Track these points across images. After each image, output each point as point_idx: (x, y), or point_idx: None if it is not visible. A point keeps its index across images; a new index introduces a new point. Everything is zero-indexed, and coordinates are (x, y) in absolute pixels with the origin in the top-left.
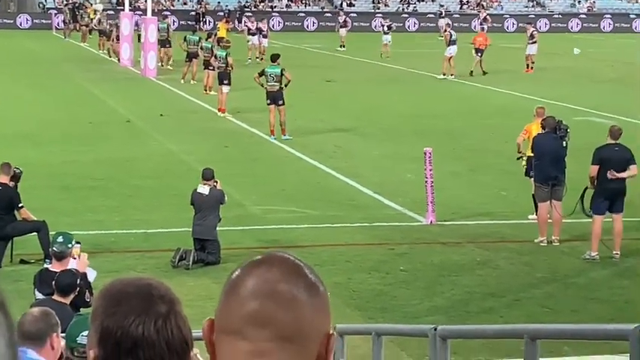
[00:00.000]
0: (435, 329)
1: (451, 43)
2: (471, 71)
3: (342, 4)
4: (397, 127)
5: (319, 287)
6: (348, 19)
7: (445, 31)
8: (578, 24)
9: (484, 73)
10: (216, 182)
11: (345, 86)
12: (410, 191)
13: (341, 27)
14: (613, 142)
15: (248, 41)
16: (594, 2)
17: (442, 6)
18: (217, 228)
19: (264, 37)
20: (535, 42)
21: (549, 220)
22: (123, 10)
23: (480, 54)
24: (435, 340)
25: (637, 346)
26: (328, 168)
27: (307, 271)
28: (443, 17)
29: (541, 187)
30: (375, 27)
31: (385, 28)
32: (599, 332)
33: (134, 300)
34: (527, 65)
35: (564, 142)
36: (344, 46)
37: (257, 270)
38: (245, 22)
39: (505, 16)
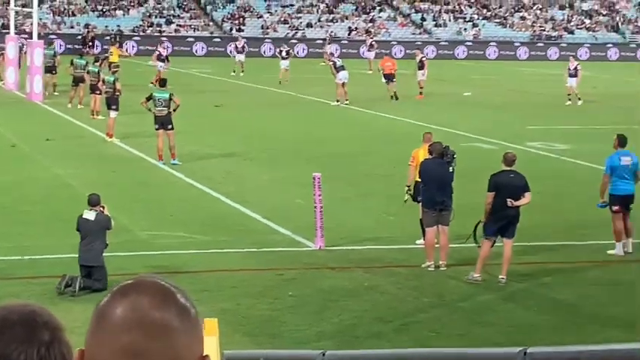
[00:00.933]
0: (324, 354)
1: (339, 69)
2: (392, 94)
3: (231, 29)
4: (287, 153)
5: (191, 310)
6: (245, 44)
7: (329, 59)
8: (464, 51)
9: (395, 98)
10: (103, 208)
11: (235, 111)
12: (299, 216)
13: (239, 52)
14: (508, 168)
15: (155, 66)
16: (480, 30)
17: (331, 32)
18: (104, 254)
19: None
20: (425, 68)
21: (436, 245)
22: (8, 33)
23: (388, 79)
24: None
25: None
26: (217, 193)
27: (178, 296)
28: (329, 43)
29: (428, 212)
30: (264, 52)
31: (284, 54)
32: (485, 356)
33: (17, 327)
34: (420, 92)
35: (451, 168)
36: (243, 71)
37: (126, 298)
38: (157, 47)
39: (392, 42)
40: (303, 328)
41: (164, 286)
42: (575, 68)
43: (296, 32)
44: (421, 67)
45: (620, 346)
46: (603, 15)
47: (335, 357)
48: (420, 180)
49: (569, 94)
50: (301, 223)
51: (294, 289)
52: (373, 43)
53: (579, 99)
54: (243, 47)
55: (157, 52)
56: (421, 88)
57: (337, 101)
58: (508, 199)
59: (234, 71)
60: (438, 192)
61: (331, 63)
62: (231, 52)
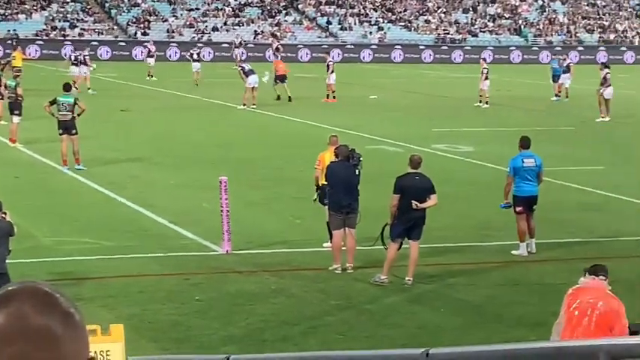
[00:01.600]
0: (228, 359)
1: (248, 73)
2: (278, 95)
3: (136, 33)
4: (194, 157)
5: (75, 315)
6: (154, 47)
7: (238, 64)
8: (369, 54)
9: (289, 99)
10: (5, 214)
11: (141, 116)
12: (206, 220)
13: (149, 56)
14: (413, 171)
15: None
16: (385, 33)
17: (238, 35)
18: (7, 261)
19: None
20: (332, 71)
21: (343, 248)
22: None
23: (280, 80)
24: None
25: None
26: (123, 198)
27: (61, 301)
28: (238, 47)
29: (335, 215)
30: (170, 56)
31: (195, 56)
32: (389, 357)
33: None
34: (328, 95)
35: (357, 171)
36: (152, 76)
37: (7, 307)
38: (72, 51)
39: (299, 46)
40: (209, 332)
41: (46, 292)
42: (487, 71)
43: (202, 36)
44: (329, 70)
45: (522, 345)
46: (506, 18)
47: None
48: (326, 183)
49: (480, 96)
50: (208, 227)
51: (201, 294)
52: (279, 46)
53: (486, 102)
54: (154, 51)
55: (81, 56)
56: (333, 92)
57: (244, 105)
58: (413, 202)
59: (149, 75)
60: (345, 195)
61: (240, 68)
62: (136, 55)
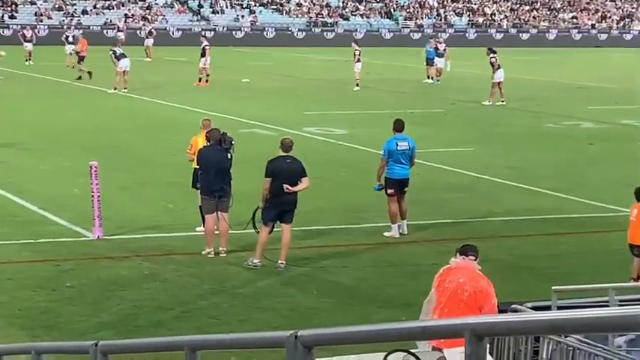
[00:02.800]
0: (96, 345)
1: (119, 57)
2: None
3: (2, 16)
4: (64, 141)
5: None
6: (30, 32)
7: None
8: (242, 38)
9: (80, 77)
10: None
11: (11, 101)
12: (77, 206)
13: (26, 41)
14: (285, 154)
15: None
16: (257, 17)
17: (108, 20)
18: None
19: None
20: (207, 55)
21: (216, 232)
22: None
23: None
24: (96, 357)
25: (292, 353)
26: None
27: None
28: (121, 31)
29: (207, 199)
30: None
31: (70, 38)
32: (258, 340)
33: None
34: (200, 79)
35: (229, 155)
36: (30, 60)
37: None
38: None
39: (170, 29)
40: (81, 319)
41: None
42: (359, 53)
43: (71, 19)
44: (204, 54)
45: (388, 325)
46: (377, 2)
47: (107, 347)
48: (198, 167)
49: (357, 79)
50: (79, 213)
51: (72, 280)
52: (152, 30)
53: (357, 85)
54: (31, 36)
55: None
56: (207, 75)
57: (115, 89)
58: (285, 185)
59: (27, 60)
60: (217, 179)
61: (111, 52)
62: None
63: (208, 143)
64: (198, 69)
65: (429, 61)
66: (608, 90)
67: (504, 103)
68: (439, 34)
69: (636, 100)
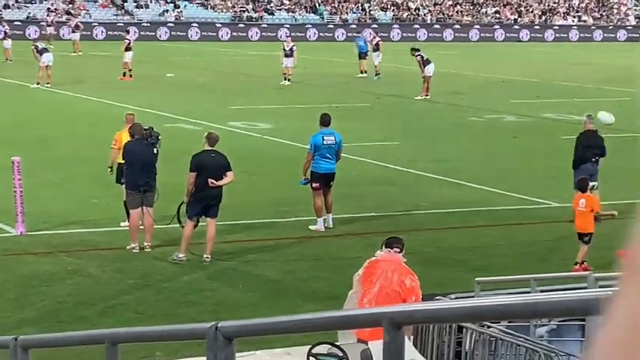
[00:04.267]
0: (16, 339)
1: (42, 52)
2: None
3: None
4: None
5: None
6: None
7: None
8: (166, 32)
9: None
10: None
11: None
12: None
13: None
14: (209, 148)
15: None
16: (181, 11)
17: (31, 14)
18: None
19: None
20: (130, 50)
21: (141, 227)
22: None
23: None
24: (16, 351)
25: (212, 344)
26: None
27: None
28: (50, 25)
29: (132, 194)
30: None
31: (2, 34)
32: (179, 332)
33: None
34: (124, 73)
35: (155, 149)
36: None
37: None
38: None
39: (94, 24)
40: (3, 315)
41: None
42: (291, 49)
43: None
44: (127, 48)
45: (308, 315)
46: None
47: (28, 341)
48: (123, 162)
49: (284, 74)
50: (1, 208)
51: None
52: (79, 24)
53: (289, 80)
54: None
55: None
56: (129, 70)
57: (37, 84)
58: (209, 179)
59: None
60: (142, 173)
61: (33, 47)
62: None
63: (132, 138)
64: (122, 63)
65: (362, 55)
66: (531, 84)
67: (428, 97)
68: (366, 29)
69: (557, 93)
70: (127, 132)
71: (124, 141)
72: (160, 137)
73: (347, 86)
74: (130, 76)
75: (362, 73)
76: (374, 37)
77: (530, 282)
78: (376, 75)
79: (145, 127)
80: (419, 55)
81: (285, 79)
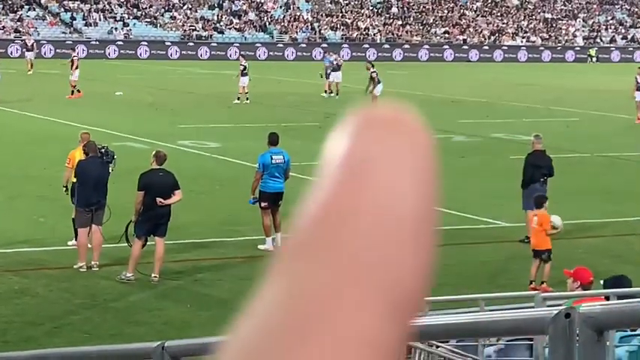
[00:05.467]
0: None
1: None
2: None
3: None
4: None
5: None
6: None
7: None
8: (115, 51)
9: None
10: None
11: None
12: None
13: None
14: (158, 167)
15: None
16: (130, 30)
17: None
18: None
19: None
20: (77, 67)
21: (89, 246)
22: None
23: None
24: None
25: None
26: None
27: None
28: None
29: (83, 212)
30: None
31: None
32: (126, 352)
33: None
34: (72, 91)
35: (111, 168)
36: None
37: None
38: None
39: (42, 42)
40: None
41: None
42: (245, 67)
43: None
44: (74, 66)
45: None
46: (252, 15)
47: None
48: (75, 180)
49: (240, 93)
50: None
51: None
52: (34, 43)
53: (247, 98)
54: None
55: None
56: (74, 87)
57: None
58: (158, 198)
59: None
60: (94, 192)
61: None
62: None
63: (86, 156)
64: (69, 81)
65: (327, 75)
66: (480, 104)
67: None
68: (329, 52)
69: (506, 113)
70: (80, 150)
71: (77, 159)
72: (115, 156)
73: (295, 105)
74: (79, 91)
75: (325, 92)
76: (337, 57)
77: (479, 302)
78: (335, 94)
79: (100, 146)
80: (374, 71)
81: (238, 98)
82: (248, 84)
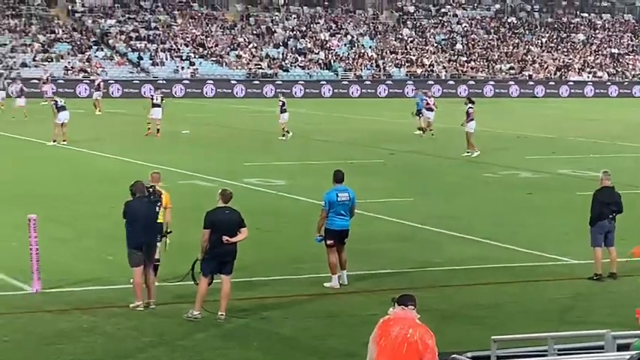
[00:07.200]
0: None
1: (60, 109)
2: None
3: None
4: (1, 195)
5: None
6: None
7: (50, 99)
8: (181, 89)
9: None
10: None
11: None
12: (14, 259)
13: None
14: (224, 205)
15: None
16: (197, 69)
17: (46, 71)
18: None
19: None
20: (160, 106)
21: (144, 286)
22: None
23: None
24: None
25: None
26: None
27: None
28: (47, 83)
29: (134, 252)
30: None
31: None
32: None
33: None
34: (149, 129)
35: (157, 208)
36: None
37: None
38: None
39: (110, 81)
40: None
41: None
42: (284, 103)
43: (10, 72)
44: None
45: None
46: (316, 53)
47: None
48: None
49: (284, 129)
50: (16, 266)
51: (9, 334)
52: (101, 83)
53: (288, 131)
54: (21, 90)
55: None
56: (150, 125)
57: (54, 141)
58: (224, 236)
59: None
60: (144, 232)
61: (53, 102)
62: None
63: (134, 197)
64: (149, 119)
65: (419, 113)
66: (546, 140)
67: (470, 154)
68: (426, 90)
69: (573, 149)
70: (166, 192)
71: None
72: (162, 196)
73: (360, 142)
74: (157, 131)
75: (419, 130)
76: (430, 97)
77: (548, 340)
78: (423, 133)
79: (147, 186)
80: (471, 107)
81: (283, 135)
82: (287, 121)
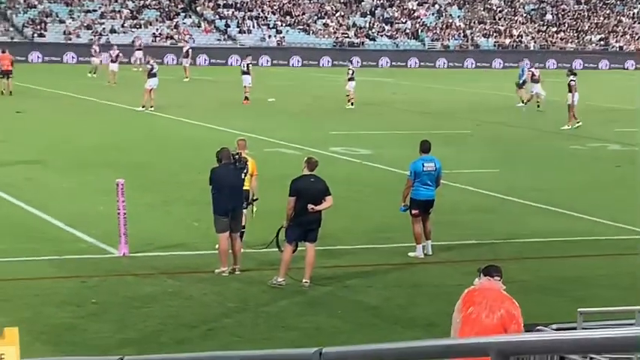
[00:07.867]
0: (122, 359)
1: (151, 75)
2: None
3: (33, 34)
4: (89, 159)
5: None
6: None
7: (147, 62)
8: (268, 59)
9: (10, 93)
10: None
11: (38, 118)
12: (102, 223)
13: (112, 62)
14: (309, 173)
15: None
16: (283, 37)
17: (137, 37)
18: None
19: None
20: (249, 73)
21: (230, 251)
22: None
23: (6, 75)
24: None
25: None
26: (18, 200)
27: None
28: (139, 49)
29: (220, 219)
30: (67, 60)
31: (114, 57)
32: (282, 357)
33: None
34: (246, 97)
35: (243, 175)
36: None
37: None
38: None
39: (197, 49)
40: (106, 335)
41: None
42: (353, 71)
43: (100, 38)
44: (247, 72)
45: (412, 343)
46: (403, 22)
47: None
48: (211, 187)
49: (347, 96)
50: (104, 230)
51: (97, 297)
52: (189, 50)
53: (352, 103)
54: (117, 56)
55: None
56: (247, 93)
57: (143, 107)
58: (309, 204)
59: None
60: (230, 198)
61: (150, 66)
62: (32, 60)
63: (219, 163)
64: (244, 87)
65: (520, 85)
66: (636, 112)
67: (580, 123)
68: (524, 61)
69: None
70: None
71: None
72: (248, 162)
73: (447, 113)
74: (247, 99)
75: (522, 102)
76: (535, 69)
77: (636, 314)
78: (525, 104)
79: (233, 153)
80: (574, 80)
81: (350, 102)
82: (354, 90)
